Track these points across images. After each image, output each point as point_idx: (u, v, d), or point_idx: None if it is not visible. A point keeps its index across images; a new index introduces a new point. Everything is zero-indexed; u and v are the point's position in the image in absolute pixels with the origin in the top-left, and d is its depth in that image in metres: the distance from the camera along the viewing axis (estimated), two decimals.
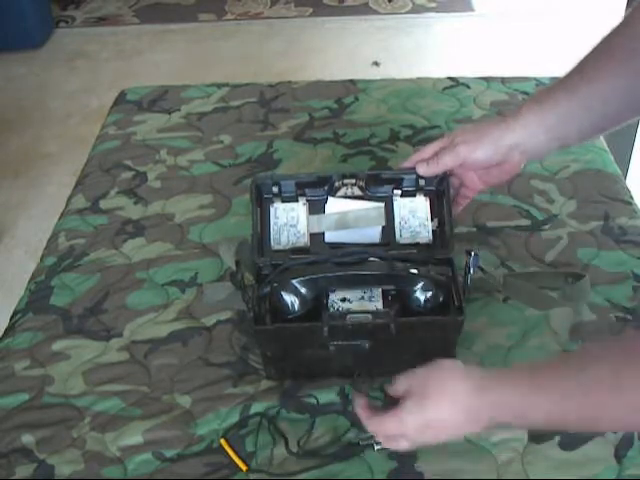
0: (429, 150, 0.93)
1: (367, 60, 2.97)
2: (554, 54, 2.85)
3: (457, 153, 0.89)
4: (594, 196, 1.16)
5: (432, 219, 0.94)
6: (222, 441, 0.84)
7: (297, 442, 0.83)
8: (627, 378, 0.62)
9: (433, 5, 3.41)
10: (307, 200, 0.95)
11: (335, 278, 0.87)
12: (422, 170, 0.92)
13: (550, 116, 0.86)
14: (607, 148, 1.28)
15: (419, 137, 1.32)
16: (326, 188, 0.95)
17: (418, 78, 1.51)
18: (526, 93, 1.43)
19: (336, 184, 0.95)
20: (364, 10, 3.41)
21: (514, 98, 1.42)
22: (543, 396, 0.68)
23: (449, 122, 1.36)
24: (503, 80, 1.48)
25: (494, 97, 1.42)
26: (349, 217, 0.94)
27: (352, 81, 1.51)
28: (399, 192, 0.95)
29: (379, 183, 0.95)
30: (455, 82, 1.48)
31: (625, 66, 0.83)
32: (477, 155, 0.89)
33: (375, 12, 3.39)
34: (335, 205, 0.95)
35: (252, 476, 0.81)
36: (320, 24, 3.32)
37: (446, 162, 0.90)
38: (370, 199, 0.95)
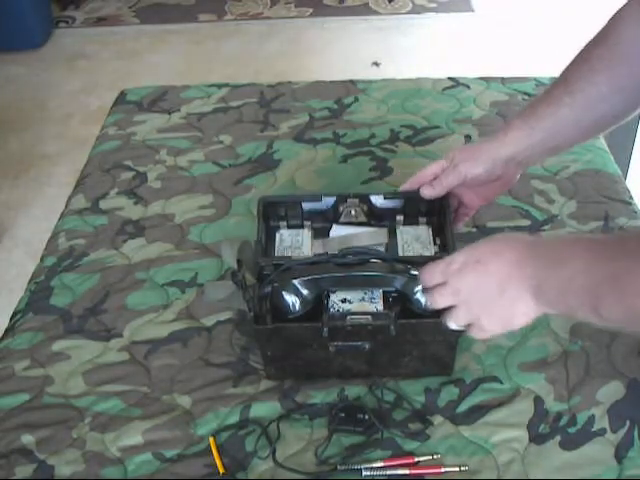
0: (429, 172, 0.95)
1: (367, 60, 2.97)
2: (554, 54, 2.85)
3: (459, 172, 0.91)
4: (594, 196, 1.16)
5: (434, 241, 0.96)
6: (210, 440, 0.84)
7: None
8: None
9: (433, 5, 3.41)
10: (312, 227, 0.97)
11: (336, 279, 0.87)
12: (427, 193, 0.94)
13: (537, 132, 0.89)
14: (607, 148, 1.28)
15: (419, 137, 1.32)
16: (331, 215, 0.97)
17: (418, 78, 1.51)
18: (526, 93, 1.43)
19: (340, 208, 0.96)
20: (364, 10, 3.41)
21: (514, 98, 1.42)
22: (580, 247, 0.69)
23: (449, 122, 1.36)
24: (503, 80, 1.48)
25: (494, 97, 1.42)
26: (352, 238, 0.95)
27: (352, 81, 1.51)
28: (401, 218, 0.97)
29: (381, 212, 0.97)
30: (455, 82, 1.48)
31: (605, 75, 0.86)
32: (477, 171, 0.91)
33: (375, 12, 3.39)
34: (339, 232, 0.96)
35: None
36: (320, 24, 3.32)
37: (449, 182, 0.92)
38: (373, 226, 0.97)
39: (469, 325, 0.77)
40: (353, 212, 0.95)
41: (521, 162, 0.92)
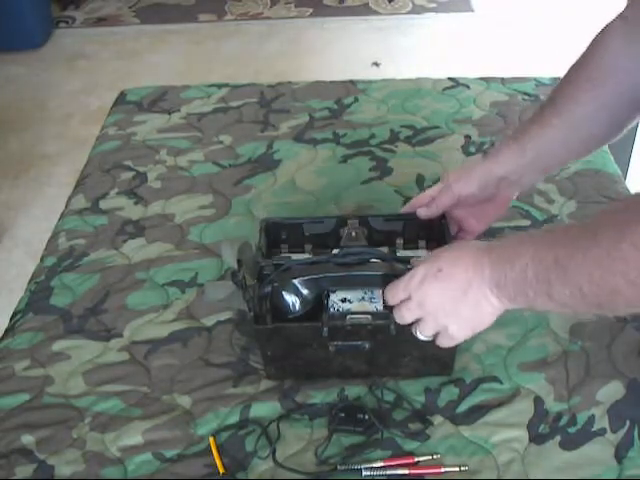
0: (427, 195, 0.97)
1: (367, 60, 2.97)
2: (554, 54, 2.86)
3: (452, 191, 0.93)
4: (594, 196, 1.16)
5: None
6: (210, 440, 0.84)
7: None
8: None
9: (433, 5, 3.42)
10: (313, 251, 0.97)
11: (336, 278, 0.87)
12: (423, 213, 0.96)
13: (528, 152, 0.91)
14: (607, 148, 1.28)
15: (419, 137, 1.32)
16: (332, 237, 0.97)
17: (418, 78, 1.51)
18: (526, 93, 1.43)
19: (340, 230, 0.96)
20: (364, 10, 3.41)
21: (514, 98, 1.42)
22: (527, 241, 0.71)
23: (449, 122, 1.36)
24: (503, 80, 1.48)
25: (494, 97, 1.42)
26: None
27: (352, 81, 1.51)
28: (401, 242, 0.98)
29: (381, 235, 0.97)
30: (455, 82, 1.48)
31: (590, 95, 0.88)
32: (470, 189, 0.93)
33: (375, 12, 3.39)
34: None
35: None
36: (320, 24, 3.32)
37: (443, 201, 0.94)
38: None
39: (437, 334, 0.79)
40: (354, 234, 0.96)
41: (514, 182, 0.93)
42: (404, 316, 0.79)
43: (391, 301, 0.81)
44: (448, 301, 0.76)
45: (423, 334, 0.79)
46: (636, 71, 0.85)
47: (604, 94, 0.88)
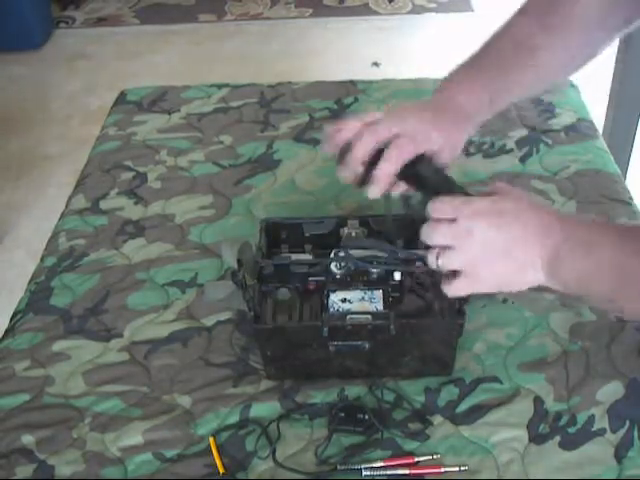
0: (369, 142, 0.82)
1: (367, 60, 2.98)
2: None
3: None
4: (594, 196, 1.16)
5: None
6: (210, 440, 0.84)
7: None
8: None
9: (433, 5, 3.42)
10: (312, 252, 0.97)
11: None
12: (374, 192, 0.84)
13: (499, 102, 0.91)
14: (607, 148, 1.28)
15: None
16: (332, 238, 0.96)
17: (418, 78, 1.51)
18: None
19: (340, 231, 0.96)
20: (364, 11, 3.41)
21: None
22: (610, 234, 0.67)
23: None
24: None
25: None
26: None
27: (352, 82, 1.51)
28: (401, 242, 0.97)
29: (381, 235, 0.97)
30: None
31: (562, 44, 0.89)
32: (453, 156, 0.89)
33: (375, 13, 3.40)
34: None
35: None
36: (320, 25, 3.32)
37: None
38: None
39: (455, 273, 0.72)
40: (354, 234, 0.96)
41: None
42: (436, 235, 0.71)
43: (434, 213, 0.72)
44: (498, 246, 0.69)
45: (444, 265, 0.71)
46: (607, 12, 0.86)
47: (571, 43, 0.88)
